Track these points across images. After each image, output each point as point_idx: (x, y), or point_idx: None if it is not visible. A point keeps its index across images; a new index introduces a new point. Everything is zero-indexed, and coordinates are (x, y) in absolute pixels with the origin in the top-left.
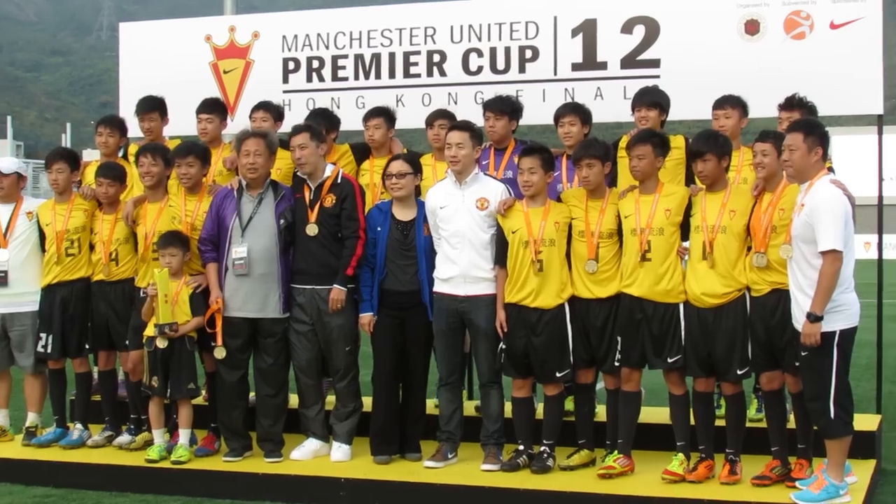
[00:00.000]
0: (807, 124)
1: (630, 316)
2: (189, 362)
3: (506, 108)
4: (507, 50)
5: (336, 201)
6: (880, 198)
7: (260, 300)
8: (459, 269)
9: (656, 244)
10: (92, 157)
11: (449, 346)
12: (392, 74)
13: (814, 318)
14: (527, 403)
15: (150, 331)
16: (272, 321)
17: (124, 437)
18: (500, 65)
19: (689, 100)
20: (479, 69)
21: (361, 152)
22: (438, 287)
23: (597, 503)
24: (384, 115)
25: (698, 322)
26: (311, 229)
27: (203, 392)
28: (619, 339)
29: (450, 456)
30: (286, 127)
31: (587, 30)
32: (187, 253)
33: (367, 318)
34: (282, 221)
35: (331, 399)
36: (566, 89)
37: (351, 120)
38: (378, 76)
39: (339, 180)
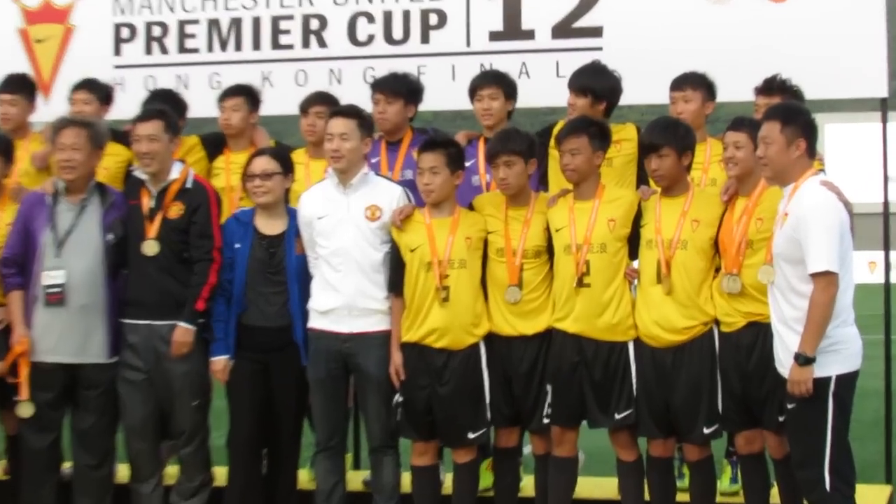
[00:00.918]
0: (785, 111)
1: (564, 358)
2: None
3: (400, 88)
4: (406, 14)
5: (185, 212)
6: (886, 204)
7: (79, 340)
8: (343, 299)
9: (598, 265)
10: None
11: (329, 400)
12: (256, 46)
13: (803, 359)
14: (431, 474)
15: None
16: (95, 368)
17: None
18: (397, 33)
19: (640, 80)
20: (370, 39)
21: (214, 145)
22: (315, 322)
23: None
24: (244, 94)
25: (653, 366)
26: (150, 247)
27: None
28: (549, 388)
29: None
30: (117, 113)
31: None
32: None
33: (220, 363)
34: (110, 236)
35: (172, 470)
36: (482, 64)
37: (203, 104)
38: (238, 48)
39: (188, 184)
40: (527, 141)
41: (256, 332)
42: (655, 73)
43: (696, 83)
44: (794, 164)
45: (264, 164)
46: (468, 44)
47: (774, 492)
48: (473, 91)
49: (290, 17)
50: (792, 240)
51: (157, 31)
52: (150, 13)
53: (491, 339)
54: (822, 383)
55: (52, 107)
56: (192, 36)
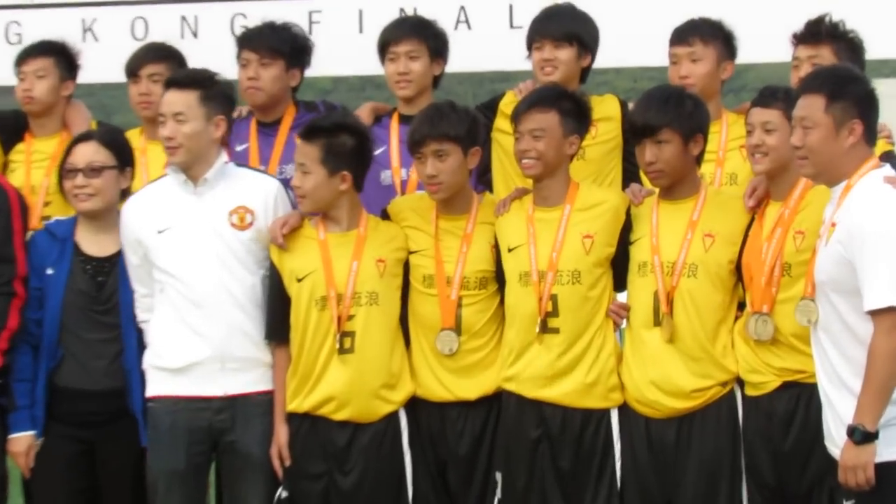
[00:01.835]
0: (831, 78)
1: (520, 434)
2: None
3: (280, 44)
4: None
5: None
6: None
7: None
8: (211, 348)
9: (569, 300)
10: None
11: (184, 500)
12: None
13: (861, 435)
14: None
15: None
16: None
17: None
18: None
19: (628, 31)
20: None
21: (9, 128)
22: (163, 386)
23: None
24: (53, 54)
25: (648, 444)
26: None
27: None
28: (499, 477)
29: None
30: None
31: None
32: None
33: (23, 441)
34: None
35: None
36: (402, 9)
37: None
38: None
39: None
40: (466, 121)
41: (77, 399)
42: (647, 21)
43: (707, 34)
44: (847, 156)
45: (90, 153)
46: None
47: None
48: (384, 47)
49: None
50: (843, 262)
51: None
52: None
53: (416, 406)
54: (887, 470)
55: None
56: None
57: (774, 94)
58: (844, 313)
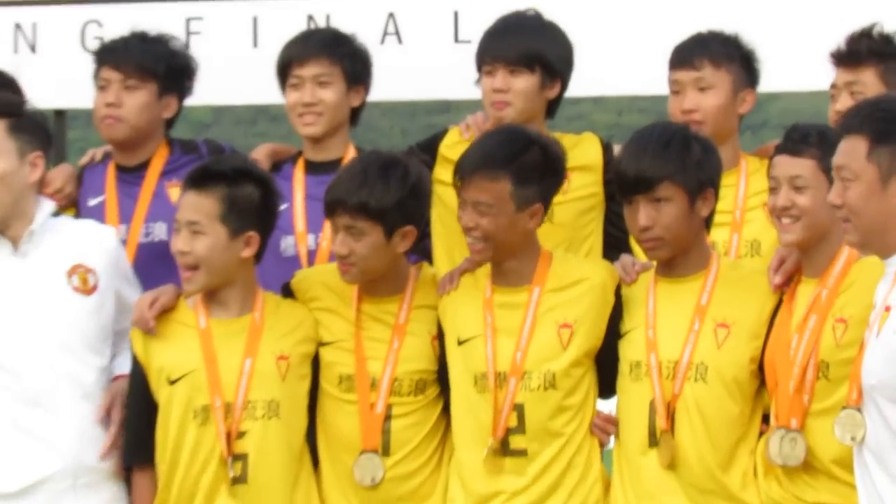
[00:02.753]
0: (878, 111)
1: None
2: None
3: (151, 62)
4: None
5: None
6: None
7: None
8: (61, 459)
9: (538, 412)
10: None
11: None
12: None
13: None
14: None
15: None
16: None
17: None
18: None
19: (610, 51)
20: None
21: None
22: None
23: None
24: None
25: None
26: None
27: None
28: None
29: None
30: None
31: None
32: None
33: None
34: None
35: None
36: (311, 16)
37: None
38: None
39: None
40: (399, 191)
41: None
42: (640, 39)
43: (720, 54)
44: None
45: None
46: None
47: None
48: (285, 69)
49: None
50: None
51: None
52: None
53: None
54: None
55: None
56: None
57: (806, 136)
58: None
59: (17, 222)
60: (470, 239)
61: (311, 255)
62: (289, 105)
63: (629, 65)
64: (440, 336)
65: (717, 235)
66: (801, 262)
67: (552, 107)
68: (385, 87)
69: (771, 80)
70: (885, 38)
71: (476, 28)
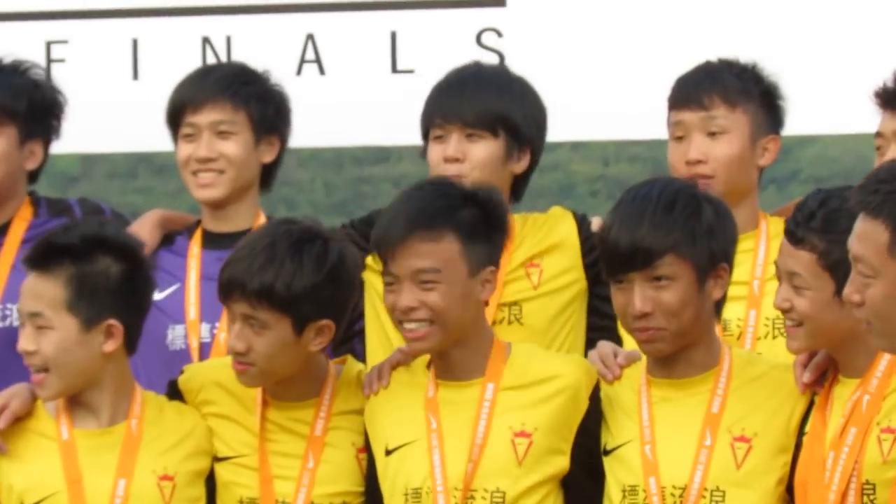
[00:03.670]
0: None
1: None
2: None
3: (9, 100)
4: None
5: None
6: None
7: None
8: None
9: None
10: None
11: None
12: None
13: None
14: None
15: None
16: None
17: None
18: None
19: (599, 87)
20: None
21: None
22: None
23: None
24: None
25: None
26: None
27: None
28: None
29: None
30: None
31: None
32: None
33: None
34: None
35: None
36: (228, 38)
37: None
38: None
39: None
40: (315, 270)
41: None
42: (636, 72)
43: (734, 89)
44: None
45: None
46: None
47: None
48: (176, 115)
49: None
50: None
51: None
52: None
53: None
54: None
55: None
56: None
57: (809, 219)
58: None
59: None
60: (411, 325)
61: (205, 349)
62: (180, 160)
63: (617, 103)
64: (368, 448)
65: (731, 312)
66: (834, 361)
67: (519, 185)
68: (304, 129)
69: (801, 122)
70: None
71: (420, 55)
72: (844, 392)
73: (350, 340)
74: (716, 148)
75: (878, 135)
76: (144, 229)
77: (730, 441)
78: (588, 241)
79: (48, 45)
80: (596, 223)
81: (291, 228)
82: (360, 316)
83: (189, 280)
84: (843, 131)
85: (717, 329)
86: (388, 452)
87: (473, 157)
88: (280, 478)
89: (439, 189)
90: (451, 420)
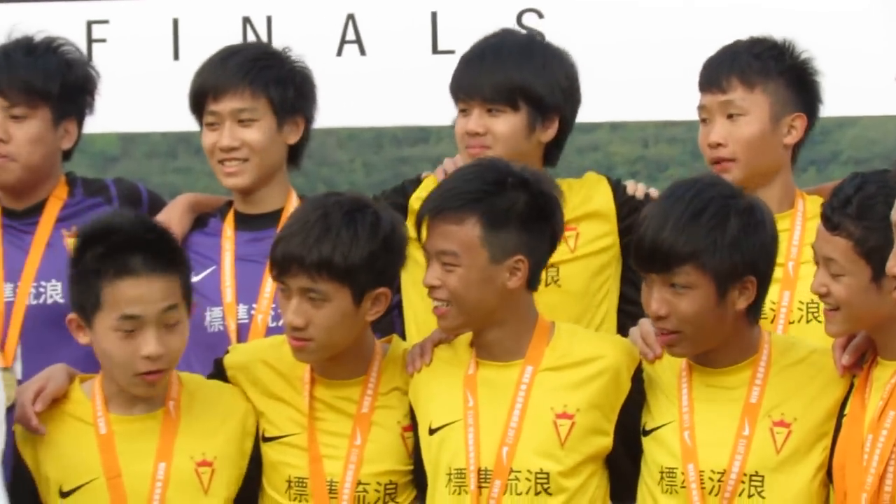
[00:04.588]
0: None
1: None
2: None
3: (42, 80)
4: None
5: None
6: None
7: None
8: None
9: None
10: None
11: None
12: None
13: None
14: None
15: None
16: None
17: None
18: None
19: (638, 67)
20: None
21: None
22: None
23: None
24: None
25: None
26: None
27: None
28: None
29: None
30: None
31: None
32: None
33: None
34: None
35: None
36: (249, 20)
37: None
38: None
39: None
40: (368, 244)
41: None
42: (675, 52)
43: (753, 69)
44: None
45: None
46: None
47: None
48: (199, 102)
49: None
50: None
51: None
52: None
53: None
54: None
55: None
56: None
57: (845, 205)
58: None
59: None
60: (435, 302)
61: (243, 331)
62: (206, 149)
63: (657, 84)
64: (414, 426)
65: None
66: (874, 342)
67: (552, 151)
68: (343, 110)
69: (841, 104)
70: None
71: (460, 36)
72: (884, 374)
73: (389, 314)
74: (735, 130)
75: None
76: (175, 214)
77: (769, 426)
78: (624, 206)
79: (89, 24)
80: (631, 188)
81: (341, 199)
82: (397, 290)
83: (224, 262)
84: (884, 112)
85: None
86: (432, 432)
87: (495, 132)
88: (327, 457)
89: (480, 172)
90: (488, 400)
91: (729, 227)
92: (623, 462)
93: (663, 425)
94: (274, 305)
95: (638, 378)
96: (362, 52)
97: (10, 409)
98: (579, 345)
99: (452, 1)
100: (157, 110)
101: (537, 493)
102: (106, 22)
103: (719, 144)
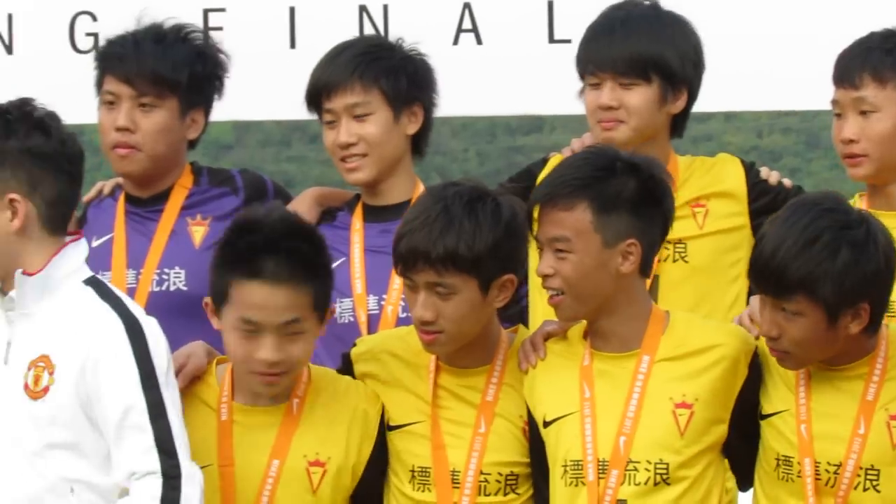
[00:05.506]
0: None
1: None
2: None
3: (171, 70)
4: None
5: None
6: None
7: None
8: None
9: None
10: None
11: None
12: None
13: None
14: None
15: None
16: None
17: None
18: None
19: (752, 56)
20: None
21: None
22: None
23: None
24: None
25: None
26: None
27: None
28: None
29: None
30: None
31: None
32: None
33: None
34: None
35: None
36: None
37: None
38: None
39: None
40: (491, 234)
41: None
42: (791, 40)
43: (885, 67)
44: None
45: None
46: None
47: None
48: (315, 97)
49: None
50: None
51: None
52: None
53: None
54: None
55: None
56: None
57: None
58: None
59: (8, 274)
60: (549, 291)
61: (373, 321)
62: (327, 147)
63: (771, 73)
64: (530, 419)
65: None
66: None
67: (678, 122)
68: (458, 99)
69: None
70: None
71: (577, 24)
72: None
73: (518, 303)
74: (867, 127)
75: None
76: (303, 207)
77: (885, 419)
78: (755, 189)
79: (205, 12)
80: (764, 172)
81: (460, 190)
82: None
83: (354, 254)
84: None
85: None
86: (546, 424)
87: (629, 105)
88: (450, 446)
89: (589, 158)
90: (605, 391)
91: (840, 257)
92: (740, 448)
93: (780, 412)
94: (404, 296)
95: (755, 365)
96: (478, 40)
97: None
98: (695, 333)
99: None
100: (271, 98)
101: (656, 484)
102: (223, 10)
103: (851, 140)
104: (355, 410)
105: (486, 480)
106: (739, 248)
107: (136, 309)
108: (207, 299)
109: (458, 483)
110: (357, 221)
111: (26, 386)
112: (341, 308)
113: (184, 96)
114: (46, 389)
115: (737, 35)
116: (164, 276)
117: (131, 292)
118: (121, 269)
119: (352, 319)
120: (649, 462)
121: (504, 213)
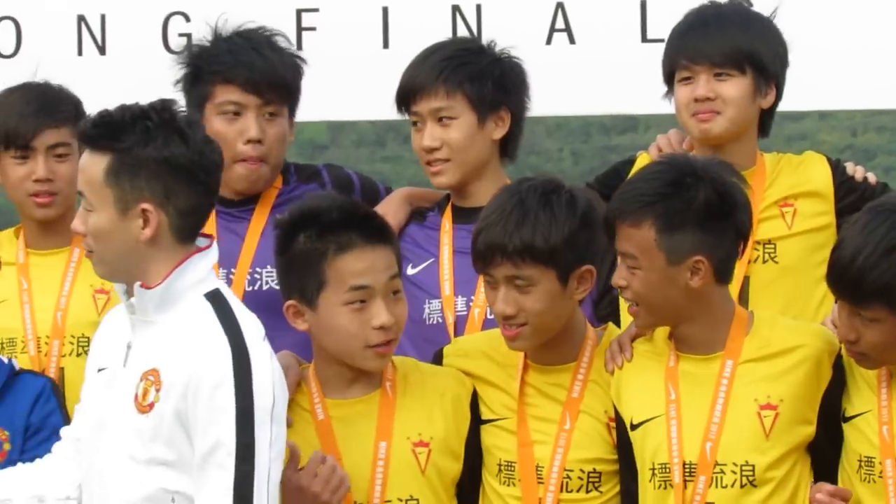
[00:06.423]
0: None
1: None
2: None
3: (284, 78)
4: None
5: None
6: None
7: None
8: None
9: None
10: None
11: None
12: None
13: None
14: None
15: None
16: None
17: None
18: None
19: (846, 54)
20: None
21: None
22: None
23: None
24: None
25: None
26: None
27: None
28: None
29: None
30: None
31: None
32: None
33: None
34: None
35: None
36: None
37: None
38: None
39: None
40: (567, 226)
41: None
42: (887, 37)
43: None
44: None
45: None
46: None
47: None
48: (404, 100)
49: None
50: None
51: None
52: None
53: None
54: None
55: None
56: None
57: None
58: None
59: (126, 280)
60: (625, 301)
61: (460, 323)
62: (415, 150)
63: (865, 72)
64: (618, 419)
65: None
66: None
67: (765, 121)
68: (551, 98)
69: None
70: None
71: (670, 24)
72: None
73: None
74: None
75: None
76: (392, 206)
77: None
78: (842, 187)
79: (299, 13)
80: (850, 168)
81: (534, 183)
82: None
83: (443, 255)
84: None
85: None
86: (634, 427)
87: (725, 96)
88: (536, 442)
89: (660, 171)
90: (690, 394)
91: None
92: (825, 449)
93: (862, 413)
94: None
95: (839, 366)
96: (571, 40)
97: None
98: (779, 334)
99: None
100: (366, 99)
101: (743, 486)
102: (316, 10)
103: None
104: (445, 391)
105: (569, 477)
106: (826, 247)
107: (252, 334)
108: (291, 302)
109: (542, 479)
110: (446, 223)
111: (136, 397)
112: (430, 309)
113: (295, 102)
114: (151, 406)
115: (831, 33)
116: (257, 276)
117: None
118: (213, 268)
119: (440, 320)
120: (735, 465)
121: (580, 205)
